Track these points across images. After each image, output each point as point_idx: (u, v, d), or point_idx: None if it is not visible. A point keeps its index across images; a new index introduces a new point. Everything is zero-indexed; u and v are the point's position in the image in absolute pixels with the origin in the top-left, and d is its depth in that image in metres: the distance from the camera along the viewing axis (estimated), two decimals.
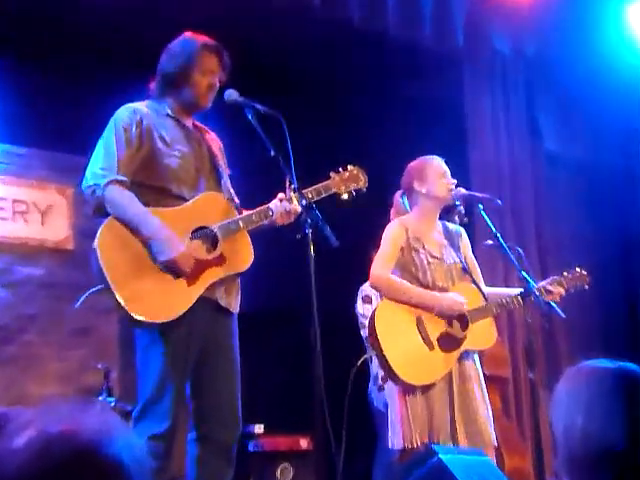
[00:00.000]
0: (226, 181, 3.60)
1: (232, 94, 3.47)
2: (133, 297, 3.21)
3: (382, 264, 4.14)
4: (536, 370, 4.08)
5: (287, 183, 3.45)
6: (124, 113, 3.42)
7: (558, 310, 4.10)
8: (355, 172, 3.76)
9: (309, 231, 3.24)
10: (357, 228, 5.52)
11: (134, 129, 3.38)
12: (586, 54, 6.70)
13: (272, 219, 3.46)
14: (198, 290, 3.30)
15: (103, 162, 3.33)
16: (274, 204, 3.48)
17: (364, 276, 4.31)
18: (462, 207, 4.30)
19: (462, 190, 4.27)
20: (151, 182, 3.39)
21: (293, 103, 6.14)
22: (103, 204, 3.28)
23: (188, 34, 3.55)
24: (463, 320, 4.10)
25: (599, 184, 7.38)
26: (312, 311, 3.14)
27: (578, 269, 4.36)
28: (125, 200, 3.29)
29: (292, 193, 3.45)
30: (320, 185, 3.61)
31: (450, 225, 4.37)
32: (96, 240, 3.25)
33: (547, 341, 5.13)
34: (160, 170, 3.39)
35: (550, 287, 4.20)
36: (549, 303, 4.08)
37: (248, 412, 3.53)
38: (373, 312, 4.14)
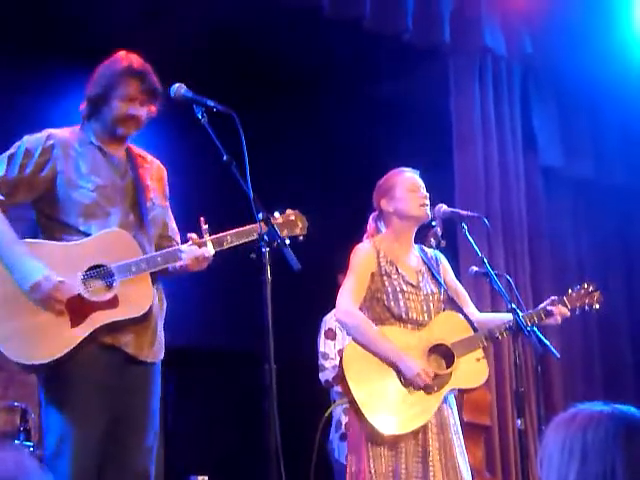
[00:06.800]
0: (158, 216, 3.66)
1: (179, 88, 3.43)
2: (6, 336, 3.30)
3: (351, 297, 4.10)
4: (526, 418, 4.07)
5: (202, 223, 3.51)
6: (36, 136, 3.57)
7: (553, 350, 4.09)
8: (293, 218, 3.73)
9: (266, 250, 3.21)
10: (323, 248, 5.51)
11: (37, 155, 3.52)
12: (592, 57, 6.77)
13: (183, 264, 3.50)
14: (81, 333, 3.36)
15: None
16: (185, 246, 3.52)
17: (330, 304, 4.29)
18: (439, 228, 4.29)
19: (444, 207, 4.26)
20: (57, 216, 3.51)
21: (263, 103, 6.26)
22: None
23: (119, 54, 3.63)
24: (448, 355, 4.08)
25: (603, 204, 7.45)
26: (267, 345, 3.10)
27: (586, 285, 4.32)
28: None
29: (207, 236, 3.51)
30: (243, 229, 3.60)
31: (427, 249, 4.34)
32: None
33: (540, 384, 5.14)
34: (67, 204, 3.51)
35: (550, 308, 4.18)
36: (543, 342, 4.08)
37: (192, 463, 3.51)
38: (342, 353, 4.10)
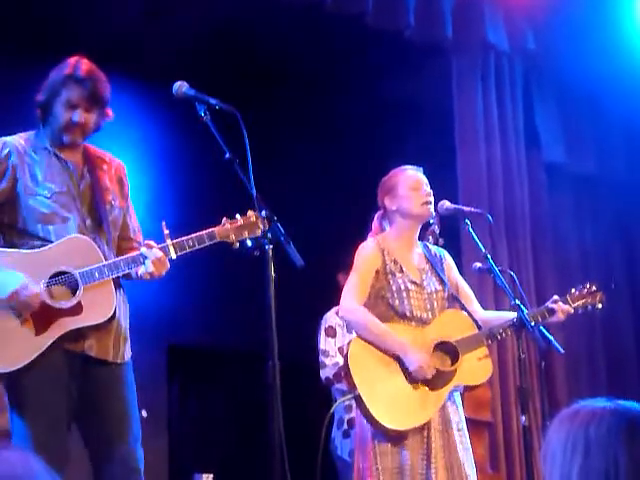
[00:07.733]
0: (117, 218, 3.66)
1: (181, 86, 3.42)
2: None
3: (355, 294, 4.10)
4: (530, 414, 4.07)
5: (163, 227, 3.50)
6: None
7: (557, 345, 4.09)
8: (253, 219, 3.66)
9: (269, 247, 3.22)
10: (328, 246, 5.52)
11: None
12: (595, 53, 6.76)
13: (146, 270, 3.48)
14: (46, 339, 3.37)
15: None
16: (147, 251, 3.50)
17: (333, 302, 4.29)
18: (437, 226, 4.29)
19: (447, 203, 4.26)
20: (17, 224, 3.52)
21: (263, 102, 6.26)
22: None
23: (68, 60, 3.62)
24: (453, 352, 4.09)
25: (606, 200, 7.44)
26: (270, 341, 3.11)
27: (588, 285, 4.32)
28: None
29: (168, 240, 3.50)
30: (204, 232, 3.59)
31: (431, 247, 4.34)
32: None
33: (544, 380, 5.15)
34: (25, 211, 3.52)
35: (553, 306, 4.18)
36: (547, 337, 4.07)
37: (197, 461, 3.52)
38: (347, 349, 4.11)
